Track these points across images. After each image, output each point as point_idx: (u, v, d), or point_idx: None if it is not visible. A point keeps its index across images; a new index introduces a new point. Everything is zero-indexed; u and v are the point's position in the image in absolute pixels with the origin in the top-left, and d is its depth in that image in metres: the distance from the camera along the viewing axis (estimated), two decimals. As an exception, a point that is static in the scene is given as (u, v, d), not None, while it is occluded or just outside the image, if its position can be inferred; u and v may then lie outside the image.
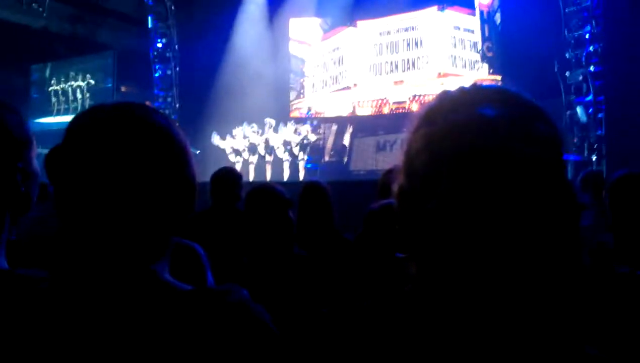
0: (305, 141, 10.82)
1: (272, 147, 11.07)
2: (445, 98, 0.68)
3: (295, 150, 10.88)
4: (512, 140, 0.60)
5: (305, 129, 10.88)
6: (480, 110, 0.63)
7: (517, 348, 0.62)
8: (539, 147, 0.60)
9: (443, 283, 0.64)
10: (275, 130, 11.05)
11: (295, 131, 10.93)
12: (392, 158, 10.26)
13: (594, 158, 7.69)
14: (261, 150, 11.22)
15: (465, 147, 0.61)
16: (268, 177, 10.78)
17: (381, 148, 10.75)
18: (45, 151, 0.85)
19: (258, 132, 11.22)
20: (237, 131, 11.47)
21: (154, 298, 0.78)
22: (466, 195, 0.60)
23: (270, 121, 10.96)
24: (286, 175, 10.74)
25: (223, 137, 11.59)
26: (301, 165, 10.87)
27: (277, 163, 11.03)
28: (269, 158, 11.19)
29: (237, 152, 11.51)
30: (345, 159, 11.34)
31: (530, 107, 0.65)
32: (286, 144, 10.97)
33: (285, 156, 10.98)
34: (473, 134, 0.61)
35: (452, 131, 0.63)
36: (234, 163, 11.16)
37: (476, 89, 0.69)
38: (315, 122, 10.96)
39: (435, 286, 0.65)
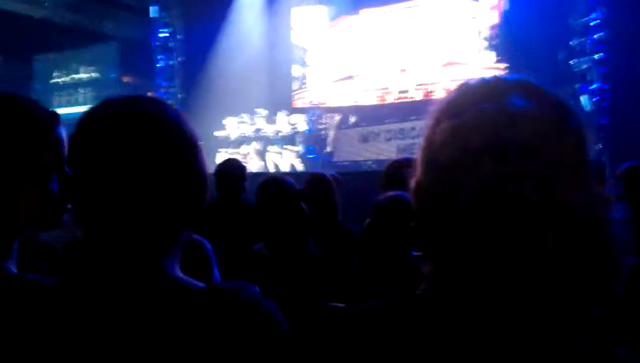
0: (295, 131, 10.71)
1: (264, 137, 11.00)
2: (467, 90, 0.67)
3: (286, 140, 10.84)
4: (545, 133, 0.60)
5: (298, 118, 10.77)
6: (509, 100, 0.62)
7: (540, 356, 0.60)
8: (571, 141, 0.59)
9: (465, 285, 0.63)
10: (270, 120, 10.97)
11: (288, 121, 10.86)
12: (376, 149, 10.32)
13: (597, 147, 7.65)
14: (251, 141, 11.18)
15: (497, 138, 0.59)
16: (255, 169, 10.77)
17: (365, 139, 10.71)
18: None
19: (248, 123, 11.16)
20: (228, 121, 11.41)
21: (164, 296, 0.78)
22: (498, 189, 0.58)
23: (261, 111, 10.93)
24: (274, 166, 10.71)
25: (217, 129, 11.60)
26: (291, 156, 10.77)
27: (269, 154, 11.00)
28: (258, 147, 11.15)
29: (227, 144, 11.48)
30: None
31: (558, 101, 0.64)
32: (277, 134, 10.92)
33: (275, 148, 10.92)
34: (505, 124, 0.60)
35: (482, 122, 0.61)
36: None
37: (498, 80, 0.68)
38: (317, 112, 10.92)
39: (456, 288, 0.64)
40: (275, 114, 10.92)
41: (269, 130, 10.98)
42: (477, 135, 0.60)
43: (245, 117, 11.18)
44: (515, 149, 0.58)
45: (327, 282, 2.08)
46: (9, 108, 1.00)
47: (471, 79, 0.68)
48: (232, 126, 11.42)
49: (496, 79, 0.68)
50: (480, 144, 0.60)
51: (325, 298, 2.00)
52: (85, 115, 0.84)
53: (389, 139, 10.16)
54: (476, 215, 0.60)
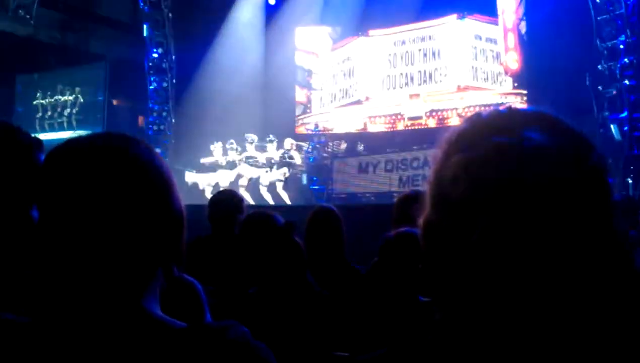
0: (286, 158, 10.69)
1: (252, 164, 11.00)
2: (479, 121, 0.67)
3: (274, 168, 10.76)
4: (563, 169, 0.60)
5: (289, 142, 10.77)
6: (525, 134, 0.62)
7: None
8: (591, 178, 0.60)
9: (479, 334, 0.62)
10: (260, 147, 10.98)
11: (277, 147, 10.82)
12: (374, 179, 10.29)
13: (629, 181, 7.62)
14: (240, 169, 11.11)
15: (512, 173, 0.60)
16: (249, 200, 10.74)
17: (363, 169, 10.68)
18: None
19: (237, 149, 11.16)
20: (215, 147, 11.39)
21: (146, 337, 0.78)
22: (514, 228, 0.59)
23: (251, 136, 10.94)
24: (267, 197, 10.65)
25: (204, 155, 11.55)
26: (279, 186, 10.74)
27: (255, 184, 10.96)
28: (246, 174, 11.09)
29: (213, 170, 11.38)
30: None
31: (576, 134, 0.64)
32: (268, 161, 10.90)
33: (265, 177, 10.87)
34: (520, 159, 0.60)
35: (496, 156, 0.61)
36: (208, 184, 11.16)
37: (513, 111, 0.68)
38: (323, 139, 10.97)
39: (469, 337, 0.63)
40: (256, 140, 10.84)
41: (260, 158, 10.93)
42: (490, 170, 0.61)
43: (234, 142, 11.12)
44: (531, 186, 0.59)
45: (332, 324, 2.06)
46: None
47: (483, 111, 0.69)
48: (218, 152, 11.38)
49: (511, 111, 0.68)
50: (494, 180, 0.60)
51: (330, 343, 1.98)
52: (54, 150, 0.86)
53: (390, 170, 10.15)
54: (490, 256, 0.60)
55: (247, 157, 10.99)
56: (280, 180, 10.76)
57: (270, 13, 12.01)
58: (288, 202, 10.46)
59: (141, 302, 0.83)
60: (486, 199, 0.60)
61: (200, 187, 11.24)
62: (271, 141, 10.83)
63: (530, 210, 0.58)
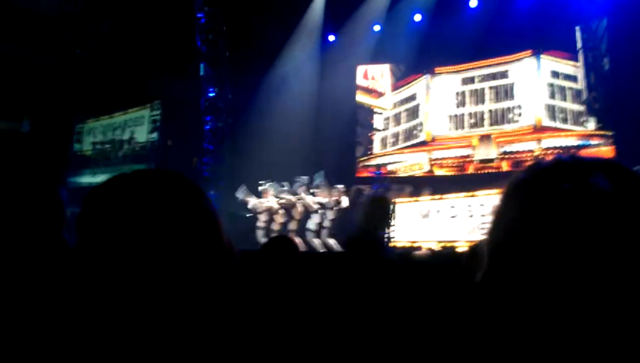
0: (334, 206, 10.62)
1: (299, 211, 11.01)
2: (540, 169, 0.68)
3: (317, 217, 10.75)
4: (632, 219, 0.59)
5: (338, 191, 10.72)
6: (592, 180, 0.62)
7: None
8: None
9: None
10: (309, 191, 11.00)
11: (328, 193, 10.79)
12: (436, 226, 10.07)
13: None
14: (291, 213, 11.13)
15: (579, 221, 0.59)
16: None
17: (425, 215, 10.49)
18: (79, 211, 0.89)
19: (288, 191, 11.20)
20: (265, 188, 11.44)
21: None
22: (581, 284, 0.58)
23: (302, 179, 10.96)
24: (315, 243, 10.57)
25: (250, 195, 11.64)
26: (324, 234, 10.66)
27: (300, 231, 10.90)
28: (293, 224, 11.07)
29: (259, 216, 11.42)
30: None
31: None
32: (319, 206, 10.86)
33: (312, 224, 10.85)
34: (587, 206, 0.60)
35: (561, 203, 0.61)
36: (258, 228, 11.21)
37: (577, 159, 0.68)
38: (385, 183, 10.94)
39: None
40: (306, 182, 10.90)
41: (311, 201, 10.99)
42: (555, 218, 0.60)
43: (285, 185, 11.23)
44: (599, 233, 0.58)
45: None
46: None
47: (543, 159, 0.69)
48: (269, 192, 11.43)
49: (574, 158, 0.68)
50: (559, 229, 0.59)
51: None
52: (96, 190, 0.88)
53: (454, 216, 9.98)
54: (558, 315, 0.59)
55: (299, 199, 11.04)
56: (325, 227, 10.74)
57: (329, 50, 12.23)
58: (336, 248, 10.42)
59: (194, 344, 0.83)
60: (548, 249, 0.59)
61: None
62: (318, 186, 10.87)
63: (600, 259, 0.58)
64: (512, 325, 0.63)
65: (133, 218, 0.83)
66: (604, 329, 0.57)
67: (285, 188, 11.20)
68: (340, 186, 10.72)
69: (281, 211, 11.22)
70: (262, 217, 11.39)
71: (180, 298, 0.82)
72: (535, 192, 0.64)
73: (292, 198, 11.15)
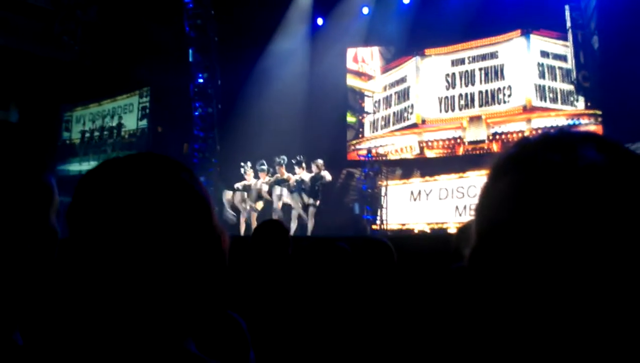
0: (318, 182, 10.41)
1: (282, 190, 10.77)
2: (529, 143, 0.67)
3: (304, 194, 10.52)
4: (623, 192, 0.58)
5: (318, 164, 10.46)
6: (580, 152, 0.61)
7: None
8: None
9: None
10: (289, 169, 10.77)
11: (308, 169, 10.57)
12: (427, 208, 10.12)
13: None
14: (270, 194, 10.90)
15: (567, 193, 0.59)
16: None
17: (415, 197, 10.51)
18: (68, 200, 0.88)
19: (268, 171, 11.00)
20: (245, 169, 11.22)
21: None
22: (571, 257, 0.57)
23: (281, 159, 10.76)
24: (294, 226, 10.42)
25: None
26: (311, 212, 10.50)
27: (286, 210, 10.76)
28: (277, 203, 10.81)
29: (242, 197, 11.19)
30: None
31: (633, 154, 0.63)
32: (299, 185, 10.60)
33: (295, 202, 10.60)
34: (576, 178, 0.59)
35: (548, 175, 0.60)
36: (239, 210, 11.09)
37: (565, 133, 0.67)
38: (376, 166, 10.94)
39: None
40: (285, 162, 10.65)
41: (290, 180, 10.71)
42: (543, 191, 0.60)
43: (265, 163, 10.98)
44: (588, 207, 0.57)
45: None
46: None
47: (529, 136, 0.69)
48: (250, 174, 11.19)
49: (561, 132, 0.67)
50: (547, 202, 0.59)
51: None
52: (86, 175, 0.88)
53: (444, 198, 10.03)
54: (545, 287, 0.58)
55: (280, 180, 10.91)
56: (314, 206, 10.57)
57: (318, 33, 12.18)
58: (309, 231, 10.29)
59: (180, 338, 0.83)
60: (539, 223, 0.59)
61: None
62: (299, 163, 10.64)
63: (588, 234, 0.57)
64: (501, 305, 0.63)
65: (127, 204, 0.82)
66: (599, 311, 0.57)
67: (265, 167, 10.99)
68: (320, 161, 10.51)
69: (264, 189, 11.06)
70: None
71: (172, 286, 0.82)
72: (524, 166, 0.63)
73: (273, 178, 10.94)
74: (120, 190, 0.83)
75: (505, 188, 0.64)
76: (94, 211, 0.83)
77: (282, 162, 10.73)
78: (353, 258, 2.49)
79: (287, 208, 10.79)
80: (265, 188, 10.94)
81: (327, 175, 10.47)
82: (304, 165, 10.62)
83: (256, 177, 11.11)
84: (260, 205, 11.06)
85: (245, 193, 11.12)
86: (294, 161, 10.69)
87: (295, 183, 10.63)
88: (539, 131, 9.53)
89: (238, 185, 11.20)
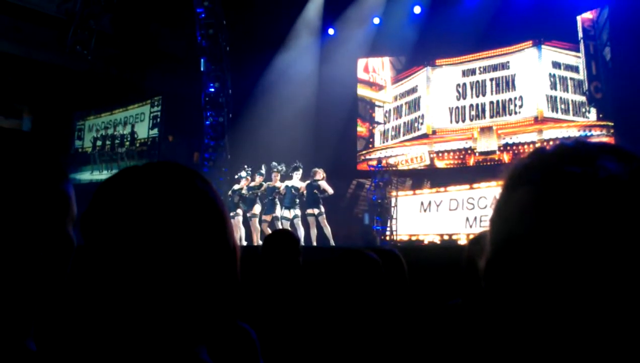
0: (315, 190, 9.94)
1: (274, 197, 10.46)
2: (544, 154, 0.66)
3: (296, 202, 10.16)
4: None
5: (320, 173, 10.02)
6: (600, 163, 0.60)
7: None
8: None
9: None
10: (285, 177, 10.41)
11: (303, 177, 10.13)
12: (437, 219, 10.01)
13: None
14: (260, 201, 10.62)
15: (588, 205, 0.57)
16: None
17: (425, 208, 10.38)
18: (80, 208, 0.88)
19: (253, 177, 10.68)
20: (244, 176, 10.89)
21: None
22: (592, 273, 0.56)
23: (278, 166, 10.45)
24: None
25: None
26: (311, 221, 10.08)
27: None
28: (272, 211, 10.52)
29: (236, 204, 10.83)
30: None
31: None
32: (293, 193, 10.19)
33: (286, 212, 10.28)
34: (597, 190, 0.58)
35: (569, 187, 0.59)
36: (234, 215, 10.66)
37: (582, 143, 0.66)
38: (386, 176, 10.91)
39: None
40: (283, 170, 10.20)
41: (281, 187, 10.32)
42: (562, 202, 0.58)
43: (262, 169, 10.60)
44: (610, 219, 0.56)
45: None
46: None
47: (545, 146, 0.67)
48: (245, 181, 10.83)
49: (578, 142, 0.66)
50: (568, 213, 0.58)
51: None
52: (104, 184, 0.88)
53: (454, 209, 9.95)
54: (565, 301, 0.57)
55: (272, 188, 10.52)
56: (297, 216, 10.18)
57: (329, 43, 12.21)
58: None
59: (193, 345, 0.83)
60: (560, 236, 0.57)
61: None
62: (296, 169, 10.26)
63: (613, 247, 0.56)
64: (518, 317, 0.62)
65: (143, 213, 0.83)
66: (622, 327, 0.56)
67: (244, 174, 10.77)
68: (317, 169, 10.06)
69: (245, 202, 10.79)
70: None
71: (186, 294, 0.82)
72: (542, 177, 0.62)
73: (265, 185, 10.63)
74: (137, 199, 0.83)
75: (523, 200, 0.62)
76: (111, 219, 0.83)
77: (278, 169, 10.52)
78: (381, 268, 2.47)
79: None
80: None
81: (326, 186, 10.01)
82: (295, 172, 10.28)
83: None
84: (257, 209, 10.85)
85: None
86: (292, 166, 10.42)
87: (284, 190, 10.30)
88: (551, 142, 9.46)
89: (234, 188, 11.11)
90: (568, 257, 0.57)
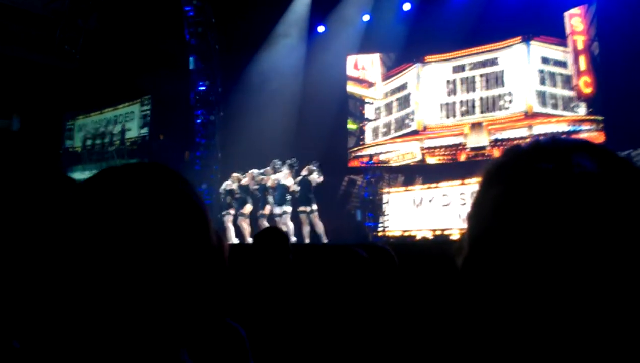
0: (307, 186, 9.98)
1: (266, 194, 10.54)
2: (520, 152, 0.67)
3: (287, 198, 10.16)
4: (618, 201, 0.58)
5: (308, 169, 10.13)
6: (574, 160, 0.61)
7: None
8: None
9: None
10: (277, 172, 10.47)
11: (292, 172, 10.19)
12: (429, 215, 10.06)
13: None
14: (255, 198, 10.69)
15: (562, 202, 0.58)
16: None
17: (417, 204, 10.41)
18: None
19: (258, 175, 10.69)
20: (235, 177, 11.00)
21: None
22: (567, 263, 0.57)
23: (274, 163, 10.54)
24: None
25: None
26: (303, 218, 10.13)
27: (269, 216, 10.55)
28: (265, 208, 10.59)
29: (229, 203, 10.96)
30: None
31: (626, 163, 0.63)
32: (283, 190, 10.25)
33: (277, 209, 10.31)
34: (571, 186, 0.59)
35: (542, 184, 0.60)
36: (225, 214, 10.91)
37: (557, 141, 0.67)
38: (377, 173, 10.94)
39: None
40: (279, 166, 10.50)
41: (270, 182, 10.48)
42: (537, 200, 0.59)
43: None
44: (583, 216, 0.57)
45: None
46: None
47: (522, 143, 0.68)
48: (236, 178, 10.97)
49: (554, 140, 0.67)
50: (542, 211, 0.58)
51: None
52: (85, 184, 0.87)
53: (446, 205, 10.02)
54: (539, 302, 0.57)
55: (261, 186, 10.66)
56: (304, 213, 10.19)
57: (318, 40, 12.19)
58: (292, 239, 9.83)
59: (176, 347, 0.82)
60: (533, 232, 0.58)
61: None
62: (292, 166, 10.35)
63: (584, 241, 0.56)
64: (492, 313, 0.62)
65: (123, 214, 0.82)
66: (593, 316, 0.57)
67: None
68: (311, 166, 10.20)
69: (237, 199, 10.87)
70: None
71: (168, 295, 0.82)
72: (516, 174, 0.63)
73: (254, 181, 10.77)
74: (117, 200, 0.82)
75: (497, 197, 0.63)
76: (90, 220, 0.82)
77: (275, 166, 10.56)
78: (370, 265, 2.47)
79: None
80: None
81: (316, 177, 10.08)
82: (286, 169, 10.36)
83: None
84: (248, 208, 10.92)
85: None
86: (281, 162, 10.56)
87: (275, 185, 10.37)
88: (542, 137, 9.51)
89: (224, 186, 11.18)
90: (538, 252, 0.57)
